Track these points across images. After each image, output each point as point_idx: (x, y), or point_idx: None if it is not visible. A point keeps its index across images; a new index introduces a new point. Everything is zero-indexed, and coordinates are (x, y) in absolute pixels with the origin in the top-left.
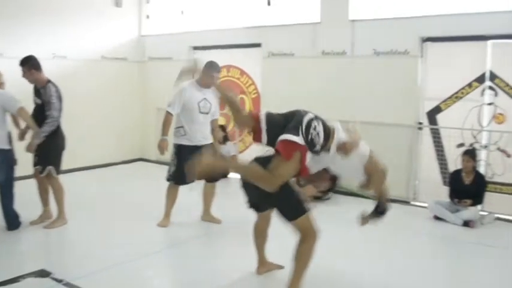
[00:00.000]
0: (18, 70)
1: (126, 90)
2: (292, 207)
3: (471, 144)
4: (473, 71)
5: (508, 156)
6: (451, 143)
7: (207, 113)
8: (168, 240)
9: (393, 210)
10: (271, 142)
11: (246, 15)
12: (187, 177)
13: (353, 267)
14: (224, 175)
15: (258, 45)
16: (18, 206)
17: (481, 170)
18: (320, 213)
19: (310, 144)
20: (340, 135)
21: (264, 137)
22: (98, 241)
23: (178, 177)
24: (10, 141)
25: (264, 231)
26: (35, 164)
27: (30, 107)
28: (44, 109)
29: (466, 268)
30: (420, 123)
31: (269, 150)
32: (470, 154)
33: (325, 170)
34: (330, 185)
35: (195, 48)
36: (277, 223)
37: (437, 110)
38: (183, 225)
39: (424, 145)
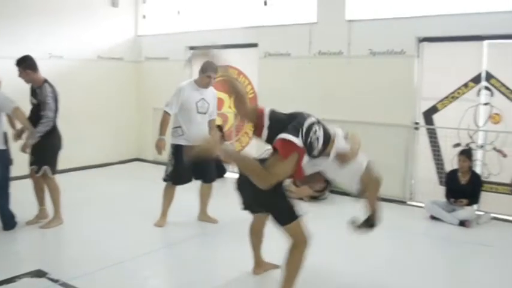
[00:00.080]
0: (15, 70)
1: (123, 90)
2: (283, 213)
3: (467, 144)
4: (469, 71)
5: (504, 156)
6: (448, 142)
7: (204, 113)
8: (165, 240)
9: (390, 210)
10: (271, 139)
11: (242, 15)
12: (184, 177)
13: (349, 267)
14: (220, 175)
15: (254, 45)
16: (14, 206)
17: (477, 169)
18: (317, 213)
19: (309, 148)
20: (340, 142)
21: (265, 132)
22: (94, 241)
23: (175, 177)
24: (6, 141)
25: (260, 232)
26: (31, 164)
27: (27, 107)
28: (40, 109)
29: (462, 268)
30: (417, 123)
31: (266, 152)
32: (467, 154)
33: (319, 173)
34: (324, 186)
35: (192, 48)
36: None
37: (433, 110)
38: (180, 225)
39: (420, 145)
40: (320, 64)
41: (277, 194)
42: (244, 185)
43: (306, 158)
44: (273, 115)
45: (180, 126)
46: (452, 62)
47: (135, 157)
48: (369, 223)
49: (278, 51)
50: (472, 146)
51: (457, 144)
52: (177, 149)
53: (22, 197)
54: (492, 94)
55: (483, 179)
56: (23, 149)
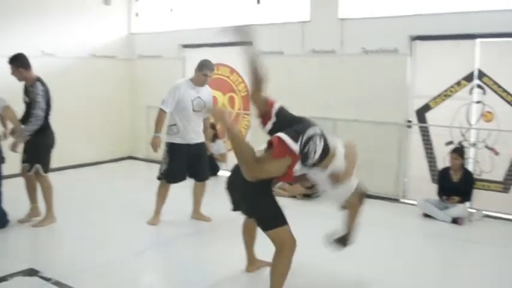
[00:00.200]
0: (7, 68)
1: (116, 88)
2: (267, 219)
3: (460, 142)
4: (461, 69)
5: (496, 154)
6: (440, 140)
7: (200, 111)
8: (158, 239)
9: (383, 207)
10: (273, 133)
11: (235, 14)
12: (178, 175)
13: (340, 264)
14: (214, 173)
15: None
16: (6, 204)
17: (470, 167)
18: (309, 212)
19: (304, 156)
20: (338, 161)
21: (269, 125)
22: (87, 239)
23: (169, 175)
24: None
25: (253, 230)
26: (23, 162)
27: (20, 106)
28: (31, 108)
29: (455, 265)
30: (409, 121)
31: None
32: (459, 152)
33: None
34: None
35: (185, 46)
36: None
37: (426, 108)
38: (173, 224)
39: (413, 143)
40: (313, 62)
41: (264, 198)
42: (233, 186)
43: (299, 165)
44: (281, 113)
45: (175, 124)
46: (444, 61)
47: (128, 155)
48: (343, 241)
49: (271, 50)
50: (465, 144)
51: (450, 142)
52: (171, 147)
53: (14, 195)
54: (484, 92)
55: (475, 176)
56: (13, 148)
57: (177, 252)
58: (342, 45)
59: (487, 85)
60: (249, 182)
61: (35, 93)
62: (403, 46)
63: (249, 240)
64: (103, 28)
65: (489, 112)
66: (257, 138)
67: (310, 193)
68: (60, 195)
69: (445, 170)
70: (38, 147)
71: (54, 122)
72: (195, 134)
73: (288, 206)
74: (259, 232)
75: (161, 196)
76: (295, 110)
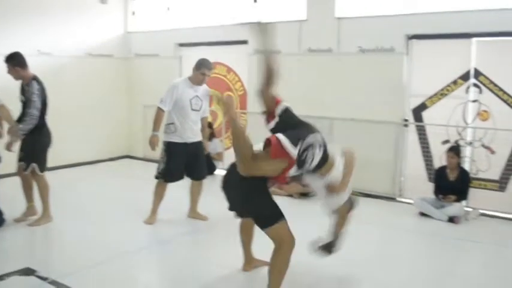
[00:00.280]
0: (4, 67)
1: (112, 87)
2: (264, 216)
3: (456, 141)
4: (458, 68)
5: (492, 152)
6: (437, 139)
7: (198, 110)
8: (155, 238)
9: (379, 206)
10: (275, 132)
11: (232, 12)
12: (176, 174)
13: (337, 263)
14: (211, 172)
15: (244, 42)
16: (2, 203)
17: (466, 166)
18: (306, 211)
19: (299, 162)
20: (336, 170)
21: (272, 124)
22: (84, 239)
23: (167, 174)
24: None
25: (250, 229)
26: (19, 160)
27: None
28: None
29: (451, 263)
30: (406, 120)
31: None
32: (455, 150)
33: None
34: None
35: (181, 45)
36: None
37: (422, 107)
38: (169, 223)
39: (409, 142)
40: (309, 61)
41: (260, 196)
42: (228, 185)
43: (294, 169)
44: (285, 114)
45: (173, 123)
46: (441, 60)
47: (125, 154)
48: (329, 248)
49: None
50: (461, 142)
51: (446, 141)
52: (169, 146)
53: (10, 194)
54: (481, 91)
55: (472, 175)
56: (8, 148)
57: (173, 251)
58: (338, 44)
59: (483, 84)
60: (245, 181)
61: (31, 92)
62: (400, 45)
63: (246, 239)
64: (99, 27)
65: (485, 111)
66: (254, 137)
67: (307, 192)
68: (57, 194)
69: (442, 169)
70: (34, 146)
71: (50, 120)
72: (192, 133)
73: (284, 204)
74: (257, 231)
75: (158, 195)
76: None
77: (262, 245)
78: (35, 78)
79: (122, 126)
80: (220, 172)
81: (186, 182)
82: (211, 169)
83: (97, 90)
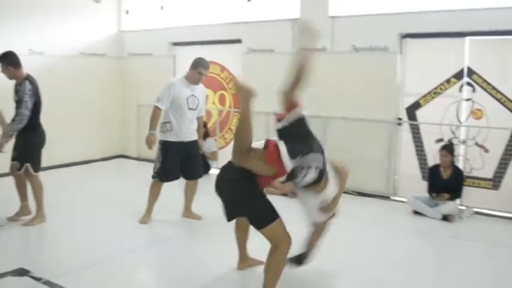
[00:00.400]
0: None
1: (106, 86)
2: (259, 216)
3: (449, 140)
4: (451, 67)
5: (486, 151)
6: (430, 138)
7: (194, 109)
8: (149, 237)
9: (373, 205)
10: (279, 134)
11: (226, 11)
12: (172, 174)
13: (331, 261)
14: (205, 171)
15: (238, 41)
16: None
17: (460, 164)
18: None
19: (290, 175)
20: (327, 192)
21: (280, 125)
22: (78, 238)
23: (163, 174)
24: None
25: (246, 228)
26: (13, 159)
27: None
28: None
29: (445, 262)
30: (400, 118)
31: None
32: (448, 149)
33: None
34: None
35: (175, 44)
36: None
37: (416, 105)
38: (164, 222)
39: (403, 140)
40: None
41: (254, 197)
42: (221, 186)
43: (283, 179)
44: (298, 122)
45: (169, 122)
46: (434, 58)
47: (119, 154)
48: (299, 260)
49: (262, 47)
50: (455, 141)
51: (440, 140)
52: (165, 146)
53: (4, 194)
54: (474, 90)
55: (466, 173)
56: None
57: (168, 251)
58: (332, 42)
59: (477, 83)
60: (238, 183)
61: (22, 92)
62: (393, 44)
63: (241, 238)
64: (93, 26)
65: (479, 109)
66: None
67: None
68: (51, 194)
69: (435, 167)
70: (28, 146)
71: (44, 120)
72: (188, 132)
73: (279, 204)
74: (252, 230)
75: (153, 194)
76: None
77: (258, 243)
78: (27, 78)
79: (116, 126)
80: (214, 171)
81: (180, 182)
82: (206, 168)
83: (90, 89)
